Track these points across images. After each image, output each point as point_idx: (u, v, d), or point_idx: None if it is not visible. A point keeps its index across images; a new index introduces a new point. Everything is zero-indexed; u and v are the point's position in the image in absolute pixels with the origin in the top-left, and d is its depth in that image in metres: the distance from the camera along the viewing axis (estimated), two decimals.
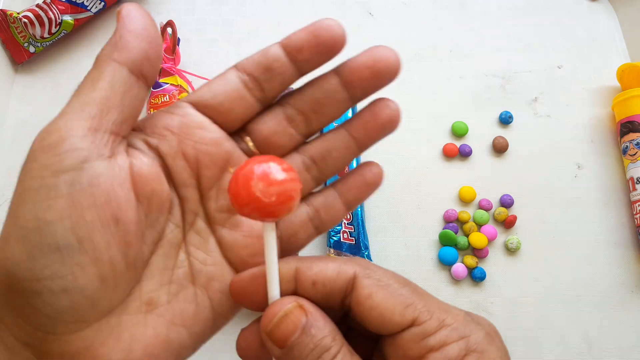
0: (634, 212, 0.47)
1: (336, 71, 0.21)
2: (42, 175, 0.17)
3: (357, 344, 0.21)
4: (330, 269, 0.19)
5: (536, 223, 0.47)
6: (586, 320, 0.44)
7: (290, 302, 0.19)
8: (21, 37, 0.49)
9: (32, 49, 0.50)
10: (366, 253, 0.44)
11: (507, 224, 0.47)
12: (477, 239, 0.45)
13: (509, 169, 0.50)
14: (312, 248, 0.46)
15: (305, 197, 0.23)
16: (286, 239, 0.22)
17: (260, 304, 0.20)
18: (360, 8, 0.56)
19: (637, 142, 0.47)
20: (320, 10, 0.56)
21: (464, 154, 0.49)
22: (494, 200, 0.48)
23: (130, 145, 0.20)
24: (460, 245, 0.46)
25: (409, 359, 0.18)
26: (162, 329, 0.19)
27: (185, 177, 0.21)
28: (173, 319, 0.20)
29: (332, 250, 0.44)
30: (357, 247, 0.44)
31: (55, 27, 0.50)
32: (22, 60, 0.51)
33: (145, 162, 0.20)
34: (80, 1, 0.50)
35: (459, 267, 0.45)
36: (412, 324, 0.18)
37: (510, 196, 0.48)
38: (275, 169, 0.18)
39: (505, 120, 0.51)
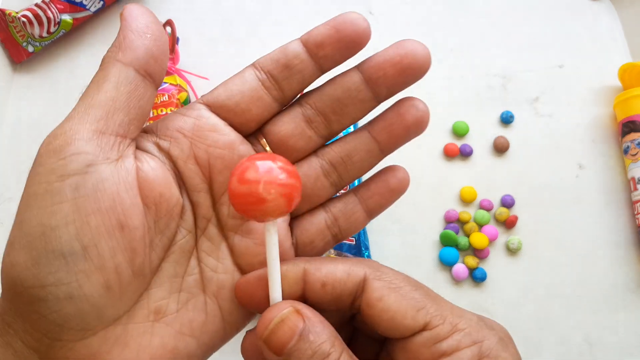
0: (635, 212, 0.47)
1: (359, 68, 0.20)
2: (47, 180, 0.17)
3: (362, 346, 0.21)
4: (340, 271, 0.19)
5: (537, 223, 0.47)
6: (587, 320, 0.44)
7: (287, 307, 0.18)
8: (20, 36, 0.49)
9: (30, 49, 0.50)
10: (366, 253, 0.44)
11: (508, 224, 0.47)
12: (478, 239, 0.45)
13: (510, 169, 0.49)
14: None
15: (324, 203, 0.22)
16: (301, 247, 0.22)
17: (266, 306, 0.19)
18: (361, 7, 0.56)
19: (639, 142, 0.47)
20: (320, 9, 0.56)
21: (465, 153, 0.49)
22: (495, 200, 0.48)
23: (140, 148, 0.20)
24: (461, 245, 0.46)
25: None
26: (169, 339, 0.19)
27: (197, 181, 0.20)
28: (181, 328, 0.19)
29: (332, 250, 0.44)
30: (357, 247, 0.44)
31: (54, 27, 0.49)
32: (21, 59, 0.51)
33: (153, 165, 0.19)
34: (79, 0, 0.50)
35: (459, 268, 0.45)
36: (424, 328, 0.18)
37: (511, 196, 0.48)
38: (274, 167, 0.18)
39: (506, 119, 0.51)
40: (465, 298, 0.45)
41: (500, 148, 0.49)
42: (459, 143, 0.50)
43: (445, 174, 0.49)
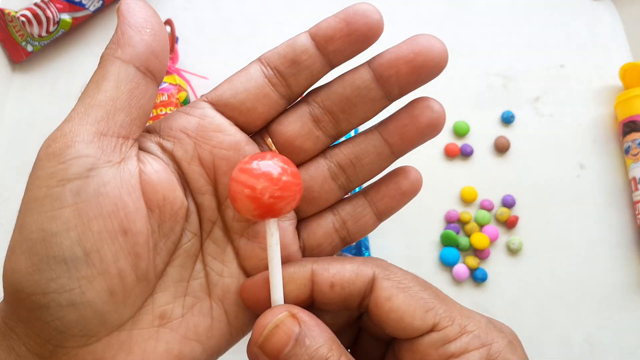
0: (636, 212, 0.46)
1: (370, 65, 0.19)
2: (47, 185, 0.16)
3: (367, 346, 0.20)
4: (349, 270, 0.18)
5: (538, 223, 0.47)
6: (588, 321, 0.44)
7: (282, 311, 0.18)
8: (19, 35, 0.49)
9: (30, 48, 0.50)
10: (367, 254, 0.44)
11: (509, 224, 0.46)
12: (479, 239, 0.45)
13: (510, 169, 0.49)
14: None
15: (332, 205, 0.21)
16: (309, 251, 0.21)
17: None
18: None
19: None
20: (320, 8, 0.56)
21: (466, 153, 0.49)
22: (496, 200, 0.48)
23: (143, 149, 0.19)
24: (462, 245, 0.45)
25: None
26: (175, 344, 0.19)
27: (202, 183, 0.20)
28: (187, 333, 0.19)
29: None
30: (358, 248, 0.44)
31: (53, 26, 0.49)
32: (20, 59, 0.50)
33: (156, 167, 0.19)
34: (78, 0, 0.50)
35: (460, 268, 0.45)
36: (433, 329, 0.18)
37: (512, 196, 0.47)
38: (273, 166, 0.18)
39: (507, 119, 0.51)
40: (466, 298, 0.45)
41: (501, 148, 0.49)
42: (459, 143, 0.50)
43: (446, 174, 0.49)
